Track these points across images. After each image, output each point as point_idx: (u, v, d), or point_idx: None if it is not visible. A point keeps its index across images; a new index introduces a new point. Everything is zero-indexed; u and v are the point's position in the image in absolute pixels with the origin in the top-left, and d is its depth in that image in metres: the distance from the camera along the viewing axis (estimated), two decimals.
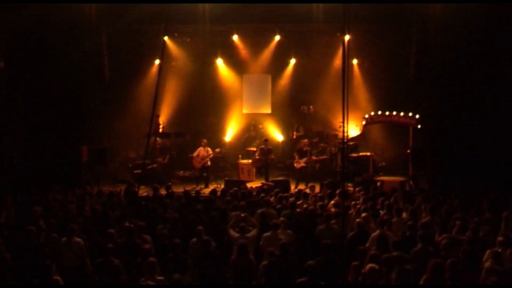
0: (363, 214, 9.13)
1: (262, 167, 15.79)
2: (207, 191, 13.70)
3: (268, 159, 15.72)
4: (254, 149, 16.77)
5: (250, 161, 16.33)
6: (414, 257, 7.15)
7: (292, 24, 16.78)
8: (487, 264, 6.80)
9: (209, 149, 15.89)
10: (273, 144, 17.97)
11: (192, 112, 18.80)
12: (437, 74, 14.90)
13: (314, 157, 15.88)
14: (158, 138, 17.48)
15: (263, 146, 16.03)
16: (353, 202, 10.66)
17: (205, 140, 16.12)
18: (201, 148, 15.86)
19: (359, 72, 17.93)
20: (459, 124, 14.67)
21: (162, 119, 18.00)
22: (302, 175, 15.60)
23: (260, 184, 14.00)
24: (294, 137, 17.93)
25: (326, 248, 7.25)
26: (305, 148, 15.87)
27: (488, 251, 7.08)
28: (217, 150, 16.52)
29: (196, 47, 18.12)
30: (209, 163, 15.83)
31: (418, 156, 14.75)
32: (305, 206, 10.28)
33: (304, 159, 15.60)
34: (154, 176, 15.63)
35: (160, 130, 17.79)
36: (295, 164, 15.84)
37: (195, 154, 15.87)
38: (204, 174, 15.84)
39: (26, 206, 10.16)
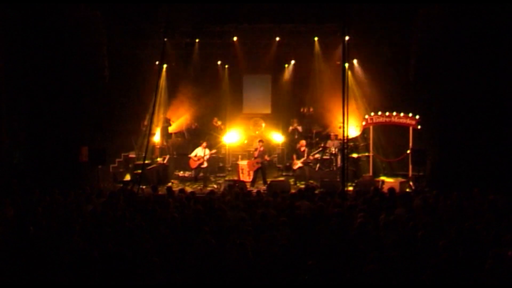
0: (360, 214, 9.12)
1: (259, 170, 15.76)
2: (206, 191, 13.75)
3: (264, 160, 15.70)
4: (253, 149, 16.77)
5: (247, 162, 16.34)
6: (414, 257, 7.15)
7: (292, 24, 16.78)
8: (487, 264, 6.79)
9: (207, 150, 15.88)
10: (273, 144, 17.99)
11: (191, 113, 18.82)
12: (437, 75, 14.91)
13: (311, 157, 15.91)
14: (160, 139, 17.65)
15: (258, 147, 16.03)
16: (353, 203, 10.65)
17: (205, 142, 16.13)
18: (199, 149, 15.87)
19: (359, 72, 17.93)
20: (459, 125, 14.67)
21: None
22: (300, 176, 15.67)
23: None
24: (291, 129, 17.88)
25: (325, 249, 7.25)
26: (302, 149, 15.92)
27: (489, 252, 7.06)
28: (214, 151, 16.48)
29: (196, 48, 18.12)
30: (205, 164, 15.81)
31: (418, 156, 14.75)
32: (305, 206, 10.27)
33: (301, 160, 15.65)
34: (153, 176, 15.66)
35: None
36: (293, 166, 15.95)
37: (192, 154, 15.91)
38: (201, 174, 15.84)
39: (27, 206, 10.16)
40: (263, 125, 18.91)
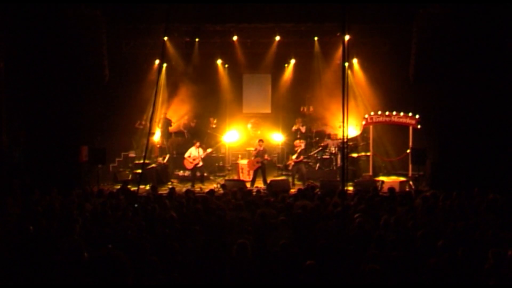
0: (357, 215, 9.12)
1: (259, 169, 15.74)
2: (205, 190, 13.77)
3: (264, 160, 15.68)
4: (252, 148, 16.78)
5: (247, 161, 16.37)
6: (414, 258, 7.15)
7: (292, 24, 16.79)
8: (487, 264, 6.79)
9: (200, 150, 15.86)
10: (272, 144, 18.00)
11: (191, 112, 18.82)
12: (437, 74, 14.91)
13: (302, 156, 15.90)
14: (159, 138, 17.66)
15: (257, 147, 16.02)
16: (352, 202, 10.66)
17: (198, 142, 16.11)
18: (192, 149, 15.86)
19: (359, 72, 17.95)
20: (459, 124, 14.68)
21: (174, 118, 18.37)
22: (299, 175, 15.71)
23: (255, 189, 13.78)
24: (295, 129, 17.92)
25: (324, 248, 7.24)
26: (295, 148, 15.94)
27: (489, 252, 7.06)
28: (209, 150, 16.45)
29: (196, 47, 18.12)
30: (201, 163, 15.82)
31: (418, 156, 14.76)
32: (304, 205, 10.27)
33: (294, 158, 15.69)
34: (153, 176, 15.66)
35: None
36: (289, 166, 16.00)
37: (186, 155, 15.89)
38: (198, 174, 15.83)
39: (27, 206, 10.16)
40: (249, 126, 18.99)
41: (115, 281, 4.79)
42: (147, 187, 13.99)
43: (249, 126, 19.18)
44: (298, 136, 17.51)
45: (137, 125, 17.56)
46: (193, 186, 15.41)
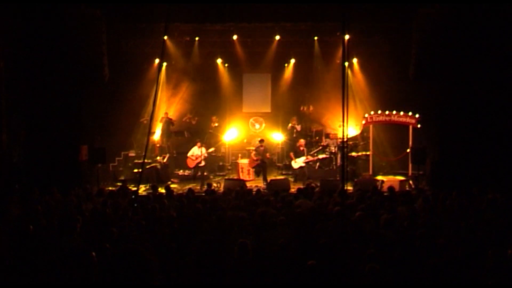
0: (357, 214, 9.12)
1: (259, 167, 15.75)
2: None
3: (265, 158, 15.67)
4: (253, 148, 16.79)
5: (248, 160, 16.39)
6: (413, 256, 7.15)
7: (292, 23, 16.79)
8: (487, 264, 6.79)
9: (203, 149, 15.88)
10: (272, 143, 18.00)
11: (191, 111, 18.82)
12: (437, 74, 14.91)
13: (310, 157, 15.92)
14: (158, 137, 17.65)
15: (258, 145, 16.03)
16: (352, 201, 10.64)
17: (200, 141, 16.12)
18: (195, 148, 15.87)
19: (359, 71, 17.95)
20: (459, 124, 14.69)
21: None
22: (300, 175, 15.69)
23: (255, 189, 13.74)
24: (290, 127, 17.89)
25: (323, 247, 7.25)
26: (301, 148, 15.93)
27: (489, 252, 7.06)
28: (212, 149, 16.48)
29: (196, 46, 18.11)
30: (203, 163, 15.83)
31: (418, 155, 14.77)
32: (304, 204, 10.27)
33: (303, 159, 15.66)
34: (153, 176, 15.67)
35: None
36: (293, 164, 15.91)
37: (189, 154, 15.90)
38: (199, 174, 15.84)
39: (27, 205, 10.16)
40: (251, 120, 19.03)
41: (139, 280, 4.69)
42: (143, 188, 14.00)
43: (251, 121, 19.22)
44: (295, 135, 17.53)
45: (141, 120, 17.52)
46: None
